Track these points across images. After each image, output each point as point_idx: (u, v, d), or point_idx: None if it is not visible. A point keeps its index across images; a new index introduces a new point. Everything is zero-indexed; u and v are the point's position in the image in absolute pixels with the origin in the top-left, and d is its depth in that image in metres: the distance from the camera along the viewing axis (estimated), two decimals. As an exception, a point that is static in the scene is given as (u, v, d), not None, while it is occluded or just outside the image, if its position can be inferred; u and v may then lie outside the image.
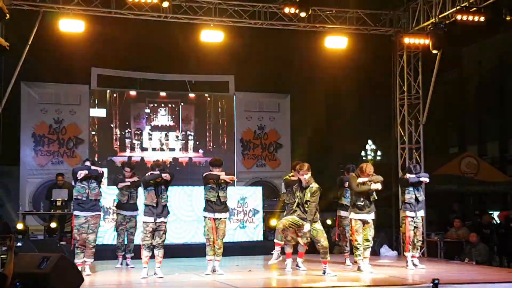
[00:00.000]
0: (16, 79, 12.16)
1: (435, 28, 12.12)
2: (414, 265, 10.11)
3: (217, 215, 9.34)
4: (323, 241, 8.92)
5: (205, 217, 9.40)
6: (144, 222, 9.13)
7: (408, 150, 13.64)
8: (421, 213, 10.31)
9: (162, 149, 16.80)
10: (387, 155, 15.56)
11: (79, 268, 8.78)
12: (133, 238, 10.51)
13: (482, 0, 11.47)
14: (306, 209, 8.83)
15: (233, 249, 12.07)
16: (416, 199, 10.17)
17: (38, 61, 13.55)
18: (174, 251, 11.21)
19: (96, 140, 16.31)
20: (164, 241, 9.16)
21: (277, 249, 9.27)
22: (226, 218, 9.53)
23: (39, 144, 15.51)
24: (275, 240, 9.23)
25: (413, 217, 10.17)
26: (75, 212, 9.49)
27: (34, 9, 11.90)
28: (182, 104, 17.13)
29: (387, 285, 8.43)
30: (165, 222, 9.15)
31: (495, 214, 17.74)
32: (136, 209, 10.53)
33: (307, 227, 8.84)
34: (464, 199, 18.88)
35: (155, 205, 9.08)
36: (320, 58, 14.56)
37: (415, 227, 10.20)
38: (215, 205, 9.32)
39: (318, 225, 9.00)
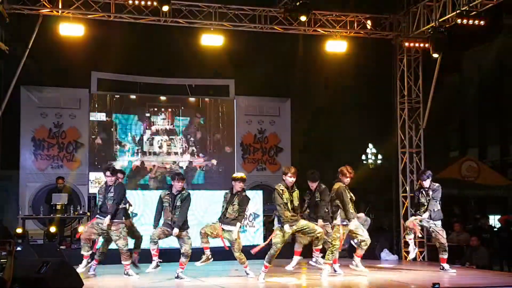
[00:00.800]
0: (15, 83, 12.15)
1: (435, 32, 12.13)
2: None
3: (225, 227, 9.48)
4: (317, 229, 9.08)
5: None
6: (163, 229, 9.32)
7: (409, 154, 13.63)
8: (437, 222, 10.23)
9: (162, 153, 16.75)
10: (388, 159, 15.54)
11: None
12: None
13: (482, 4, 11.47)
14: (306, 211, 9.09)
15: (233, 253, 12.03)
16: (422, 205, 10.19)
17: (38, 65, 13.54)
18: (174, 255, 11.17)
19: (96, 144, 16.27)
20: (189, 247, 9.27)
21: (296, 258, 9.58)
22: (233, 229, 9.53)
23: (39, 148, 15.47)
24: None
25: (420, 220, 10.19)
26: (97, 216, 9.60)
27: (33, 13, 11.89)
28: (182, 108, 17.12)
29: (388, 289, 8.42)
30: (182, 232, 9.27)
31: (495, 218, 17.72)
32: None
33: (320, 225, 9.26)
34: (464, 203, 18.85)
35: (170, 223, 9.23)
36: (320, 62, 14.55)
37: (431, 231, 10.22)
38: (224, 218, 9.50)
39: (304, 221, 9.12)
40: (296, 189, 9.12)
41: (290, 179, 8.97)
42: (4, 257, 8.68)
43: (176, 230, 9.19)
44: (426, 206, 10.11)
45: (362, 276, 9.54)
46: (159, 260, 9.33)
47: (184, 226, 9.34)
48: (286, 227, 8.88)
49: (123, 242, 9.56)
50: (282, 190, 8.98)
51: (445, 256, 10.20)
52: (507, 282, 8.96)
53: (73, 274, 7.52)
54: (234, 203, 9.44)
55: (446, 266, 10.15)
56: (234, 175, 9.95)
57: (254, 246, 12.86)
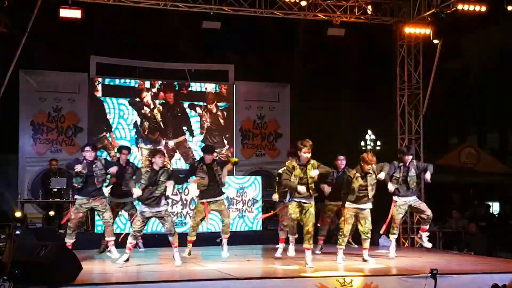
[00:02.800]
0: (14, 67, 12.10)
1: (436, 17, 12.09)
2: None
3: (211, 199, 9.55)
4: (311, 227, 8.88)
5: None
6: (140, 211, 9.13)
7: (408, 141, 13.63)
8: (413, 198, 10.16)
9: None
10: (387, 145, 15.56)
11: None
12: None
13: (483, -10, 11.43)
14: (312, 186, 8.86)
15: (231, 239, 12.03)
16: (406, 183, 10.05)
17: (36, 49, 13.48)
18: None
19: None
20: (173, 225, 9.17)
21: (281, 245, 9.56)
22: (223, 199, 9.70)
23: (37, 132, 15.43)
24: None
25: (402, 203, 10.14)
26: (76, 196, 9.58)
27: (32, -4, 11.81)
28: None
29: (385, 274, 8.44)
30: (160, 211, 9.08)
31: (493, 205, 17.75)
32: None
33: (315, 172, 8.76)
34: (463, 189, 18.88)
35: (149, 195, 9.01)
36: (320, 47, 14.51)
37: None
38: (209, 190, 9.52)
39: (312, 209, 8.94)
40: (311, 162, 8.77)
41: (304, 155, 8.70)
42: (3, 241, 8.70)
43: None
44: (407, 184, 9.98)
45: (360, 261, 9.57)
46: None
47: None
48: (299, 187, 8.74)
49: (109, 214, 9.54)
50: (293, 166, 8.76)
51: (426, 226, 10.20)
52: (505, 268, 8.99)
53: (72, 258, 7.52)
54: (218, 172, 9.46)
55: (424, 236, 10.17)
56: (204, 147, 10.16)
57: (252, 231, 13.01)
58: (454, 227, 13.65)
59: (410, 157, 10.13)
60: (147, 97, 16.14)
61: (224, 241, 9.80)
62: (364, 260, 9.52)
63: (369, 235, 9.55)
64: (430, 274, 7.54)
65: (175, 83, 16.41)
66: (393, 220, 10.12)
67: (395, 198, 10.13)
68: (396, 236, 10.25)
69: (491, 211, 17.33)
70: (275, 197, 10.34)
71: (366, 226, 9.51)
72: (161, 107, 16.24)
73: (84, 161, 9.50)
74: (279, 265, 9.33)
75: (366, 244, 9.58)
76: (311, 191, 8.85)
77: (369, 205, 9.53)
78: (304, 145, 8.71)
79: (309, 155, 8.76)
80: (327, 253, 10.46)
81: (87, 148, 9.59)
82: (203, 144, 13.78)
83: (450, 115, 21.88)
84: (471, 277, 8.31)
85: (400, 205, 10.08)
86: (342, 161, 10.33)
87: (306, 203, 8.88)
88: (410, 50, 13.65)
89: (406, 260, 10.02)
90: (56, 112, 15.58)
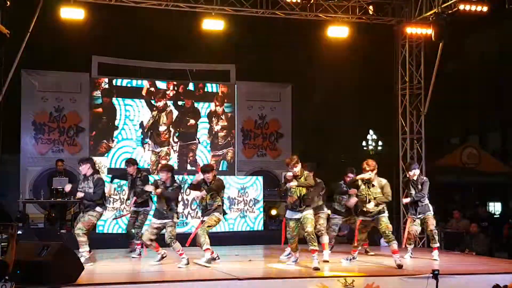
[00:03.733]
0: (16, 66, 12.10)
1: (437, 18, 12.09)
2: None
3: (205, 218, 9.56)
4: (309, 228, 8.77)
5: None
6: (152, 222, 9.35)
7: (410, 141, 13.63)
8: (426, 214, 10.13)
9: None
10: (388, 145, 15.55)
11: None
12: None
13: (485, -10, 11.43)
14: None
15: (233, 239, 12.09)
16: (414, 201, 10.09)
17: (38, 49, 13.46)
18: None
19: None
20: (172, 236, 9.17)
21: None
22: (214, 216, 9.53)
23: (39, 132, 15.44)
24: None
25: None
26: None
27: (34, -4, 11.82)
28: (182, 92, 17.03)
29: (388, 275, 8.44)
30: (169, 222, 9.23)
31: (495, 205, 17.75)
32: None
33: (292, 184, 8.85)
34: (465, 190, 18.89)
35: (164, 210, 9.22)
36: (322, 47, 14.50)
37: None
38: (202, 211, 9.63)
39: (310, 214, 8.91)
40: (303, 175, 8.87)
41: (293, 169, 8.80)
42: (5, 241, 8.71)
43: None
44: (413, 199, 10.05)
45: (361, 262, 9.57)
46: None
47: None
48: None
49: (80, 225, 9.36)
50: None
51: (436, 244, 10.16)
52: (506, 269, 8.99)
53: (74, 258, 7.54)
54: (212, 194, 9.47)
55: (435, 254, 10.09)
56: (203, 167, 10.05)
57: (254, 231, 13.01)
58: (456, 227, 13.65)
59: (413, 171, 10.11)
60: (157, 97, 16.22)
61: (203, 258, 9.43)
62: (399, 266, 8.95)
63: (390, 237, 9.15)
64: (431, 275, 7.53)
65: (189, 84, 16.45)
66: (409, 232, 10.31)
67: (408, 214, 10.38)
68: (412, 246, 10.47)
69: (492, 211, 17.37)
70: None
71: (385, 229, 9.19)
72: (169, 109, 16.23)
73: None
74: (280, 266, 9.33)
75: (394, 246, 9.10)
76: (302, 204, 8.83)
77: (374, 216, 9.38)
78: (289, 162, 8.89)
79: (295, 170, 8.83)
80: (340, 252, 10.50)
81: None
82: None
83: (451, 115, 21.87)
84: (472, 278, 8.33)
85: (414, 219, 10.24)
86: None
87: (299, 216, 8.85)
88: (412, 50, 13.64)
89: (408, 260, 10.01)
90: (57, 112, 15.58)
